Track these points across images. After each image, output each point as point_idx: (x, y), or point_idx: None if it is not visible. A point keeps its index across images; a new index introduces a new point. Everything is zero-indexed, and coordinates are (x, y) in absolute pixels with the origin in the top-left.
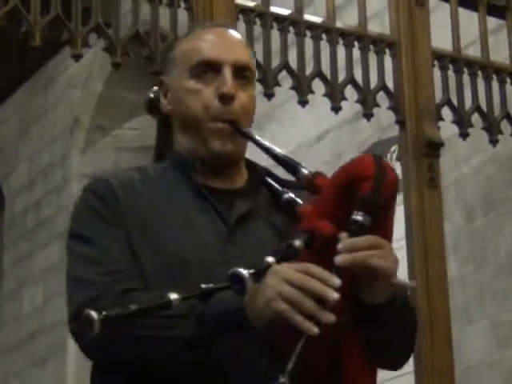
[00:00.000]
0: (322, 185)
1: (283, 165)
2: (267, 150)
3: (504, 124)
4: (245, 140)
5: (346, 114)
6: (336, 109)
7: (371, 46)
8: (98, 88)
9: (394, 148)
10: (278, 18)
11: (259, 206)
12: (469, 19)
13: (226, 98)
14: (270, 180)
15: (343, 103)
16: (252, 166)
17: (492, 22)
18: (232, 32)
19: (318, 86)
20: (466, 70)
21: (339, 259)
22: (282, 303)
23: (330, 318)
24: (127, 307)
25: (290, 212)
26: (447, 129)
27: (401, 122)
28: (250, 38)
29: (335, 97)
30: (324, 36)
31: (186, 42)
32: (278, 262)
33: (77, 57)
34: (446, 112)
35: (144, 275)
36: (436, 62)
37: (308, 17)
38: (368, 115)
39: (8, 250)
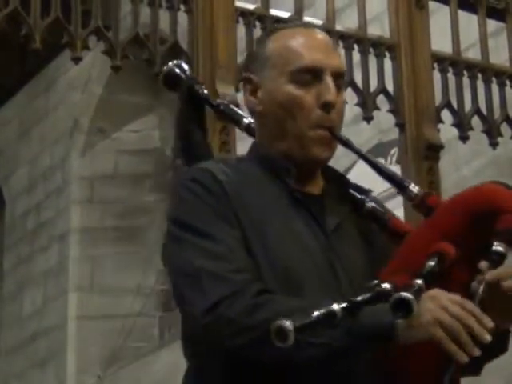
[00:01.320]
0: (437, 205)
1: (388, 179)
2: (369, 161)
3: (504, 127)
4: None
5: (345, 117)
6: None
7: (371, 49)
8: (98, 91)
9: (394, 151)
10: (278, 21)
11: (345, 212)
12: (468, 22)
13: (328, 107)
14: (348, 185)
15: None
16: (326, 170)
17: (492, 24)
18: (327, 36)
19: None
20: (465, 72)
21: (506, 285)
22: (440, 330)
23: (477, 352)
24: (307, 315)
25: (373, 220)
26: (447, 131)
27: (401, 125)
28: (249, 41)
29: None
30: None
31: (278, 41)
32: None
33: (76, 59)
34: (446, 115)
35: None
36: (436, 65)
37: (308, 19)
38: (368, 118)
39: (8, 252)
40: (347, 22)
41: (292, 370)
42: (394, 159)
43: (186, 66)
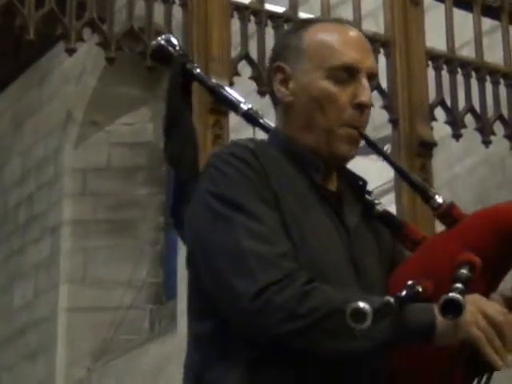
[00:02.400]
0: (461, 217)
1: (413, 185)
2: (395, 166)
3: (497, 125)
4: None
5: None
6: None
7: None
8: (92, 83)
9: (387, 147)
10: (273, 16)
11: (360, 212)
12: (464, 20)
13: (362, 107)
14: (363, 185)
15: None
16: (340, 168)
17: (487, 22)
18: (363, 35)
19: None
20: (459, 70)
21: None
22: (479, 332)
23: (510, 361)
24: (386, 301)
25: (384, 222)
26: (440, 129)
27: (394, 121)
28: (244, 36)
29: None
30: None
31: (315, 34)
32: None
33: (71, 51)
34: (440, 112)
35: None
36: (430, 62)
37: (303, 15)
38: None
39: (0, 244)
40: (342, 17)
41: (314, 367)
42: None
43: (175, 41)
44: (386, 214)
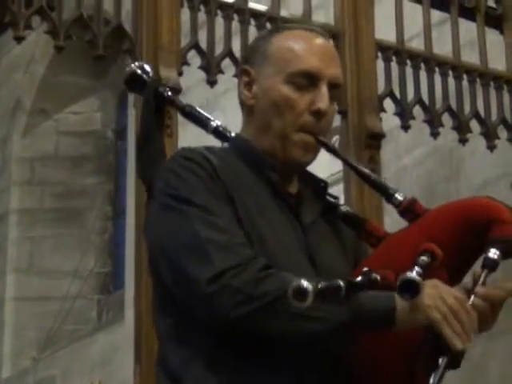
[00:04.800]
0: (424, 212)
1: (373, 185)
2: (355, 169)
3: (445, 117)
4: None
5: None
6: None
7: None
8: (41, 71)
9: (336, 138)
10: (223, 6)
11: (319, 212)
12: (413, 12)
13: (319, 114)
14: (324, 189)
15: None
16: (303, 173)
17: (436, 14)
18: (331, 44)
19: None
20: (409, 62)
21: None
22: (438, 314)
23: (470, 342)
24: (318, 283)
25: (348, 222)
26: (389, 120)
27: (343, 113)
28: (194, 25)
29: None
30: (268, 24)
31: (282, 41)
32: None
33: (19, 39)
34: (388, 104)
35: None
36: (379, 54)
37: (252, 5)
38: None
39: None
40: (292, 8)
41: (284, 348)
42: (336, 147)
43: (148, 68)
44: (348, 214)
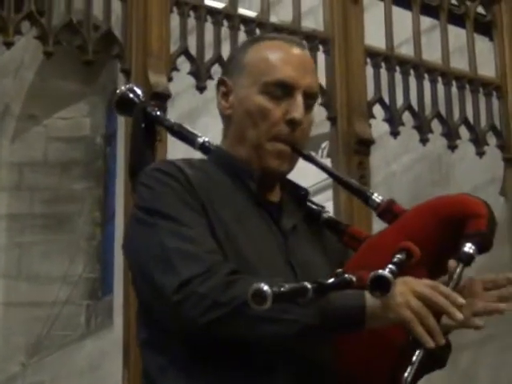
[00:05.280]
0: (402, 212)
1: (351, 190)
2: (332, 174)
3: (434, 123)
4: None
5: None
6: None
7: (304, 42)
8: (30, 76)
9: (325, 144)
10: (212, 12)
11: (300, 218)
12: (402, 18)
13: (294, 124)
14: (305, 197)
15: None
16: (285, 182)
17: (425, 21)
18: (307, 54)
19: None
20: (398, 68)
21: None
22: (410, 312)
23: (442, 340)
24: (281, 286)
25: (331, 228)
26: (378, 126)
27: (332, 119)
28: (183, 31)
29: None
30: (258, 30)
31: (258, 51)
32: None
33: (8, 44)
34: (378, 110)
35: None
36: (369, 60)
37: (242, 11)
38: None
39: None
40: (281, 14)
41: (257, 353)
42: (325, 153)
43: (138, 91)
44: (330, 220)
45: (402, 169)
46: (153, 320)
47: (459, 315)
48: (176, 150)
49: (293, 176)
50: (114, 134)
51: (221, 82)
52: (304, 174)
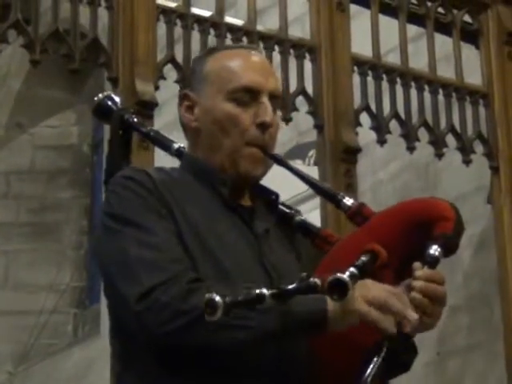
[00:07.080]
0: (372, 215)
1: (322, 193)
2: (303, 177)
3: (421, 131)
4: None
5: None
6: None
7: (291, 50)
8: (17, 85)
9: (312, 152)
10: (199, 20)
11: (273, 221)
12: (389, 26)
13: (264, 127)
14: (276, 200)
15: None
16: (256, 187)
17: (412, 29)
18: (265, 59)
19: None
20: (385, 76)
21: (418, 285)
22: (373, 309)
23: (408, 327)
24: (237, 296)
25: (303, 231)
26: (365, 135)
27: (319, 127)
28: (170, 39)
29: None
30: (245, 39)
31: (217, 60)
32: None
33: None
34: (365, 118)
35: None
36: (356, 68)
37: (229, 19)
38: (286, 119)
39: None
40: (268, 22)
41: (221, 362)
42: (312, 161)
43: (117, 98)
44: (303, 223)
45: (388, 177)
46: (121, 329)
47: (414, 316)
48: (164, 159)
49: (280, 183)
50: (100, 142)
51: (183, 97)
52: (292, 182)
